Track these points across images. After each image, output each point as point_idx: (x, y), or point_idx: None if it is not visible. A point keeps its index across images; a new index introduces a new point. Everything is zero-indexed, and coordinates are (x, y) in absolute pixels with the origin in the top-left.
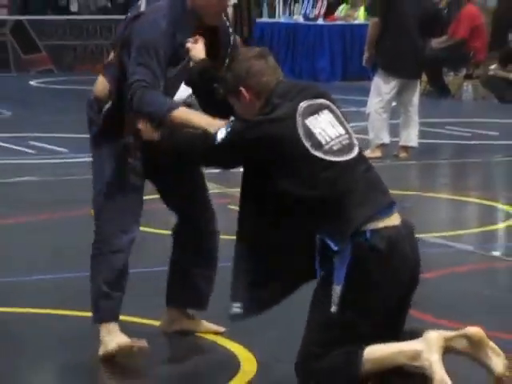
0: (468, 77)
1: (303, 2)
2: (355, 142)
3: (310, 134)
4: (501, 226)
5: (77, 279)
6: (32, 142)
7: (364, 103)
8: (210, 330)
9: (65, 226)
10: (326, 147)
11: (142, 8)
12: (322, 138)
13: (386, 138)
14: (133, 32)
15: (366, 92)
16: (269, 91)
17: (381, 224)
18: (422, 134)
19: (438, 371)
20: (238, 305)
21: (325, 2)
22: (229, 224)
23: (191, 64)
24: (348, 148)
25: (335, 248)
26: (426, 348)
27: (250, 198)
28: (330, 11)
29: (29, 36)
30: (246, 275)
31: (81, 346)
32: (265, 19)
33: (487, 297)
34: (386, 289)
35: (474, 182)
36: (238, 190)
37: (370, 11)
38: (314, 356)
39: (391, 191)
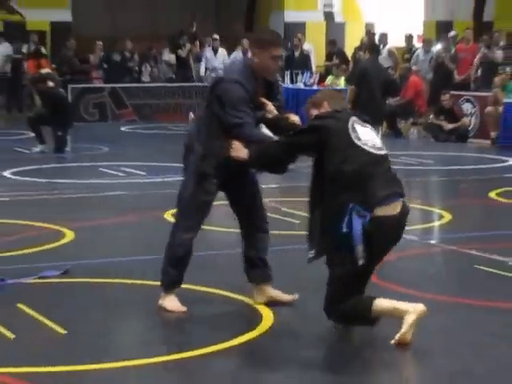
0: (414, 124)
1: (303, 74)
2: (384, 149)
3: (355, 131)
4: (436, 223)
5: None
6: (122, 168)
7: None
8: (282, 298)
9: (142, 225)
10: (364, 141)
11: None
12: (362, 136)
13: None
14: (223, 92)
15: None
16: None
17: (382, 212)
18: None
19: (407, 328)
20: (312, 251)
21: (318, 74)
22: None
23: (267, 115)
24: (379, 149)
25: (365, 212)
26: (412, 311)
27: (313, 176)
28: (321, 80)
29: (120, 97)
30: (315, 230)
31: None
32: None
33: (429, 271)
34: (380, 249)
35: (418, 193)
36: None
37: (348, 81)
38: (338, 302)
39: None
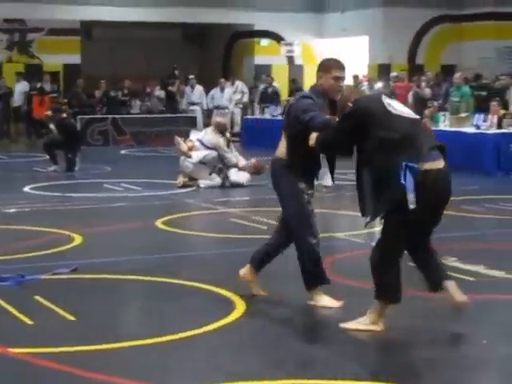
0: None
1: (270, 107)
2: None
3: (390, 105)
4: (376, 228)
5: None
6: (122, 184)
7: None
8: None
9: (138, 231)
10: (400, 111)
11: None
12: (397, 107)
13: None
14: (294, 109)
15: None
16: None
17: (429, 166)
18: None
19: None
20: (368, 218)
21: (282, 107)
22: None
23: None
24: (413, 115)
25: (416, 166)
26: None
27: (359, 156)
28: (284, 112)
29: (120, 126)
30: (367, 198)
31: None
32: (250, 116)
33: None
34: (430, 200)
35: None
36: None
37: None
38: (386, 249)
39: (317, 210)
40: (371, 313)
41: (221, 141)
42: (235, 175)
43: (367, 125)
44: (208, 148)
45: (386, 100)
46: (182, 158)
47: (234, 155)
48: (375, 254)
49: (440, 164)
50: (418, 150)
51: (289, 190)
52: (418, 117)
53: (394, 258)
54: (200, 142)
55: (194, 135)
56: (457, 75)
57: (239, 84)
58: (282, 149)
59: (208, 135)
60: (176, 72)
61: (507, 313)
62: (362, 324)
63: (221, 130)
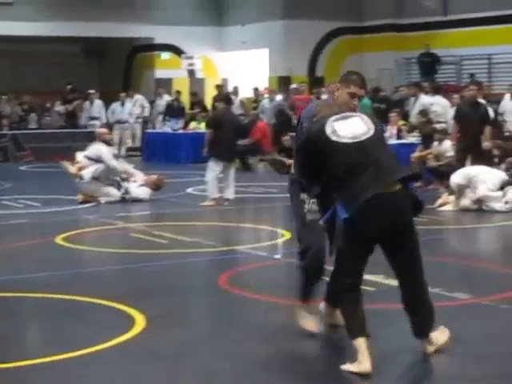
0: (261, 160)
1: (171, 121)
2: (372, 131)
3: (334, 131)
4: (279, 241)
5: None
6: (21, 200)
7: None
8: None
9: (38, 247)
10: (346, 136)
11: None
12: (344, 130)
13: (216, 194)
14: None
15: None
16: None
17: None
18: (237, 191)
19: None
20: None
21: (183, 120)
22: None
23: None
24: (362, 135)
25: (342, 215)
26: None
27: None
28: (186, 125)
29: (19, 142)
30: None
31: None
32: (150, 130)
33: (273, 279)
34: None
35: (265, 217)
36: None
37: (207, 126)
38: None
39: (217, 223)
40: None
41: (103, 149)
42: (136, 190)
43: (315, 154)
44: (95, 161)
45: (333, 124)
46: (77, 179)
47: (133, 170)
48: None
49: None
50: (351, 195)
51: (293, 201)
52: (367, 137)
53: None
54: (87, 158)
55: (80, 154)
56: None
57: (139, 98)
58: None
59: (92, 147)
60: (69, 87)
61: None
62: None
63: (103, 139)
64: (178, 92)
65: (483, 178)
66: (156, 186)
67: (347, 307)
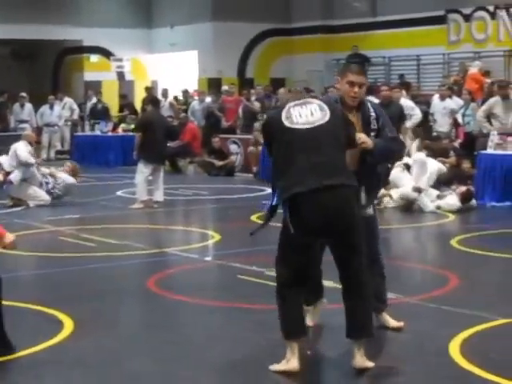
0: (191, 162)
1: (100, 124)
2: (326, 118)
3: (288, 114)
4: (209, 243)
5: None
6: None
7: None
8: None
9: None
10: (294, 120)
11: None
12: (295, 115)
13: (146, 197)
14: None
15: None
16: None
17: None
18: (167, 194)
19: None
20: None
21: (112, 123)
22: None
23: None
24: (313, 122)
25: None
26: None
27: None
28: (114, 128)
29: None
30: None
31: None
32: (80, 133)
33: (202, 281)
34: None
35: (195, 219)
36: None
37: (136, 129)
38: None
39: (146, 226)
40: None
41: (19, 146)
42: (63, 177)
43: (273, 141)
44: (21, 164)
45: (290, 110)
46: (4, 185)
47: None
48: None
49: (310, 185)
50: (287, 185)
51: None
52: (315, 125)
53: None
54: (11, 165)
55: (1, 159)
56: (281, 90)
57: (68, 101)
58: None
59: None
60: None
61: (337, 319)
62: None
63: (28, 140)
64: (100, 93)
65: (426, 167)
66: (73, 174)
67: (283, 304)
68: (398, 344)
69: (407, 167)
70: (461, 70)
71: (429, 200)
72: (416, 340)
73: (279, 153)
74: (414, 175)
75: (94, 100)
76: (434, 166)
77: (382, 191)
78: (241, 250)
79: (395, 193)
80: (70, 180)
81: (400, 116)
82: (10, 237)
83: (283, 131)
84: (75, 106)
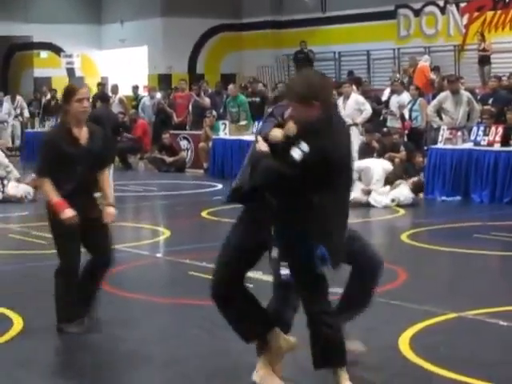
0: (141, 158)
1: (51, 120)
2: None
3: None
4: (159, 239)
5: None
6: None
7: None
8: None
9: None
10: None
11: None
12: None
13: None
14: None
15: None
16: (331, 105)
17: None
18: (117, 190)
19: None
20: None
21: None
22: None
23: None
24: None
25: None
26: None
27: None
28: None
29: None
30: None
31: None
32: (31, 130)
33: (152, 278)
34: None
35: (145, 215)
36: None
37: None
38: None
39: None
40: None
41: (1, 154)
42: (14, 189)
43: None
44: None
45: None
46: None
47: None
48: None
49: None
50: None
51: None
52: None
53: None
54: None
55: None
56: (231, 86)
57: (19, 99)
58: None
59: None
60: None
61: None
62: None
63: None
64: (55, 90)
65: (372, 172)
66: (35, 186)
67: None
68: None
69: None
70: (411, 64)
71: (381, 196)
72: (365, 335)
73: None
74: (364, 183)
75: (49, 96)
76: (379, 169)
77: None
78: (191, 247)
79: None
80: (21, 194)
81: None
82: (68, 213)
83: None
84: (25, 105)
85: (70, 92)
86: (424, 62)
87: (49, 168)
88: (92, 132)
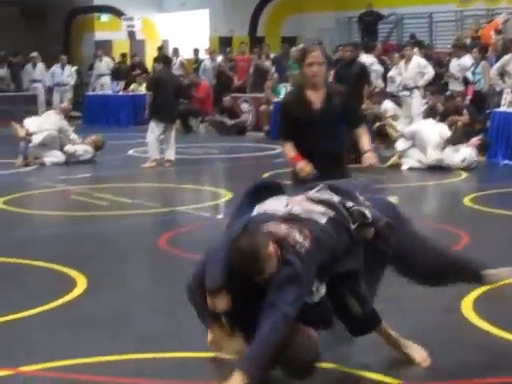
0: (202, 121)
1: (113, 83)
2: None
3: None
4: (221, 201)
5: None
6: None
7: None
8: None
9: None
10: None
11: None
12: None
13: (158, 155)
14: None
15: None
16: None
17: None
18: (178, 152)
19: None
20: None
21: (123, 82)
22: None
23: None
24: None
25: None
26: None
27: None
28: (126, 87)
29: None
30: None
31: None
32: (91, 93)
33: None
34: None
35: (206, 178)
36: None
37: (147, 88)
38: None
39: (158, 185)
40: None
41: (64, 123)
42: (79, 151)
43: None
44: (47, 129)
45: None
46: (22, 142)
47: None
48: None
49: None
50: None
51: None
52: None
53: None
54: (39, 127)
55: (29, 121)
56: (293, 49)
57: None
58: None
59: (50, 117)
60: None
61: None
62: None
63: (65, 114)
64: (124, 55)
65: (425, 135)
66: (96, 146)
67: None
68: (409, 302)
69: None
70: (474, 27)
71: (450, 157)
72: (427, 297)
73: None
74: (418, 147)
75: (107, 60)
76: (436, 133)
77: (394, 159)
78: None
79: (407, 162)
80: (87, 155)
81: (360, 75)
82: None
83: None
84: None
85: (301, 55)
86: (501, 18)
87: (287, 130)
88: (329, 94)
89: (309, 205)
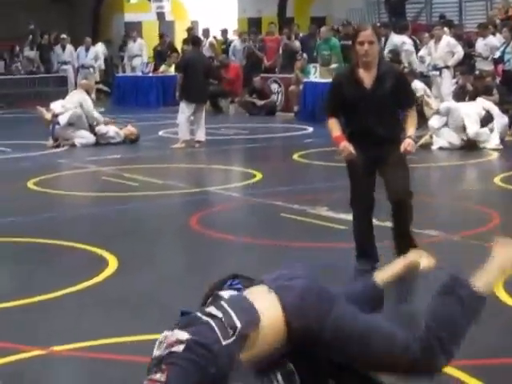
0: (232, 101)
1: (143, 64)
2: None
3: None
4: (250, 181)
5: None
6: None
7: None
8: None
9: (11, 191)
10: None
11: None
12: None
13: (188, 136)
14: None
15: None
16: None
17: None
18: (208, 133)
19: None
20: None
21: (152, 64)
22: None
23: None
24: None
25: None
26: None
27: None
28: (155, 69)
29: None
30: None
31: None
32: (121, 74)
33: (244, 219)
34: None
35: (237, 158)
36: None
37: (177, 69)
38: None
39: (188, 165)
40: None
41: (86, 99)
42: (109, 133)
43: None
44: (71, 108)
45: None
46: (51, 124)
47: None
48: None
49: None
50: None
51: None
52: None
53: None
54: (64, 107)
55: (54, 104)
56: (323, 29)
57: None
58: None
59: (73, 97)
60: (31, 27)
61: None
62: None
63: (86, 90)
64: (162, 36)
65: (465, 114)
66: (129, 137)
67: None
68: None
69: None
70: (504, 6)
71: (489, 136)
72: None
73: None
74: (451, 125)
75: (140, 41)
76: (471, 111)
77: (426, 138)
78: (283, 189)
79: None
80: (117, 138)
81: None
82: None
83: None
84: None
85: (354, 34)
86: None
87: (334, 107)
88: (381, 74)
89: None
